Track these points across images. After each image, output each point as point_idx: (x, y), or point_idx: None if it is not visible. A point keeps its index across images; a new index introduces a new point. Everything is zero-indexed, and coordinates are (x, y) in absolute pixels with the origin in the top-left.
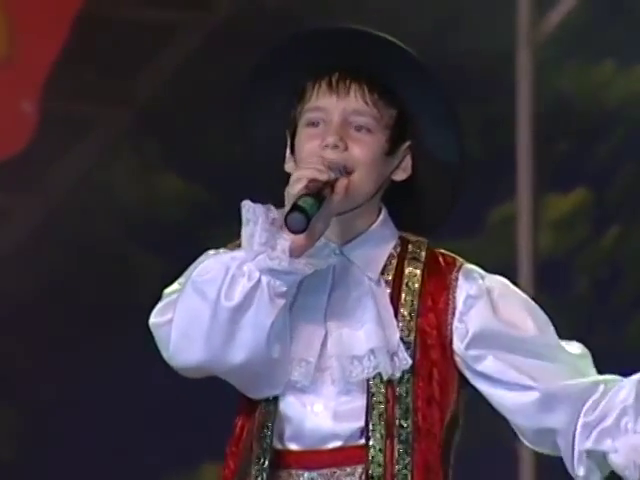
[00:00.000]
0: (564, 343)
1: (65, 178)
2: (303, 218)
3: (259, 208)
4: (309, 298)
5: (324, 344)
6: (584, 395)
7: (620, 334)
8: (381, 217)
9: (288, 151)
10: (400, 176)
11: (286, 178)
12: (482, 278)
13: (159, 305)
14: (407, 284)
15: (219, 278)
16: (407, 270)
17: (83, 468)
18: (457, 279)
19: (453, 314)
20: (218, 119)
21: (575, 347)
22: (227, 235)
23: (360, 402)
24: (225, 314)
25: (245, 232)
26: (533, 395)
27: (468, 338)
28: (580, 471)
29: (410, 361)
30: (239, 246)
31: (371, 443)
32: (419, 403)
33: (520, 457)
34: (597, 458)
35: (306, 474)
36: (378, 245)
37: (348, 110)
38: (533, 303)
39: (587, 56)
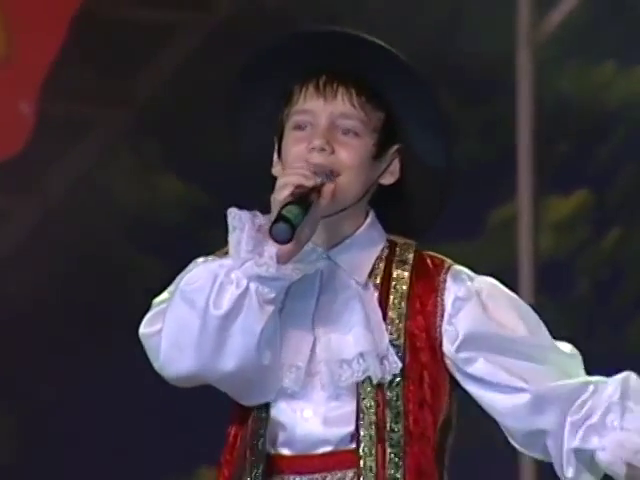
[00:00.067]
0: (555, 343)
1: (64, 179)
2: (288, 228)
3: (245, 215)
4: (297, 303)
5: (313, 349)
6: (573, 396)
7: (621, 335)
8: (368, 220)
9: (275, 155)
10: (388, 180)
11: (274, 182)
12: (471, 280)
13: (148, 315)
14: (395, 287)
15: (207, 286)
16: (395, 273)
17: (83, 469)
18: (445, 281)
19: (442, 316)
20: (218, 119)
21: (565, 347)
22: (227, 236)
23: (350, 407)
24: (214, 322)
25: (232, 239)
26: (524, 397)
27: (458, 340)
28: (569, 472)
29: (400, 364)
30: (227, 253)
31: (362, 448)
32: (410, 407)
33: (520, 459)
34: (585, 458)
35: (297, 479)
36: (365, 249)
37: (335, 113)
38: (523, 303)
39: (588, 57)
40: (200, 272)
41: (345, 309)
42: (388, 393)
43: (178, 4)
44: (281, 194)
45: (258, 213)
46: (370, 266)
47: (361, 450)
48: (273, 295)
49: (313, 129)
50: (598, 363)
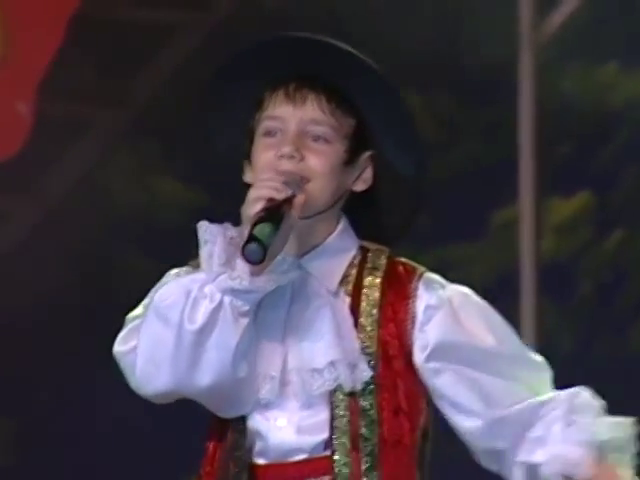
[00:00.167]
0: (525, 353)
1: (64, 179)
2: (260, 249)
3: (216, 228)
4: (269, 313)
5: (285, 358)
6: (530, 414)
7: (623, 337)
8: (340, 227)
9: (247, 161)
10: (360, 187)
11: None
12: (442, 288)
13: (122, 333)
14: (367, 294)
15: (181, 302)
16: (367, 280)
17: (83, 471)
18: (417, 288)
19: (413, 324)
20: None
21: (535, 358)
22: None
23: (324, 415)
24: (189, 337)
25: (204, 253)
26: (479, 422)
27: (428, 349)
28: None
29: (370, 372)
30: (200, 265)
31: (336, 457)
32: (385, 414)
33: None
34: (532, 472)
35: None
36: (336, 256)
37: (305, 119)
38: (494, 313)
39: (590, 58)
40: (173, 287)
41: (316, 317)
42: (361, 401)
43: (177, 4)
44: (252, 209)
45: (229, 225)
46: (341, 273)
47: (335, 458)
48: (247, 308)
49: (283, 135)
50: (600, 365)
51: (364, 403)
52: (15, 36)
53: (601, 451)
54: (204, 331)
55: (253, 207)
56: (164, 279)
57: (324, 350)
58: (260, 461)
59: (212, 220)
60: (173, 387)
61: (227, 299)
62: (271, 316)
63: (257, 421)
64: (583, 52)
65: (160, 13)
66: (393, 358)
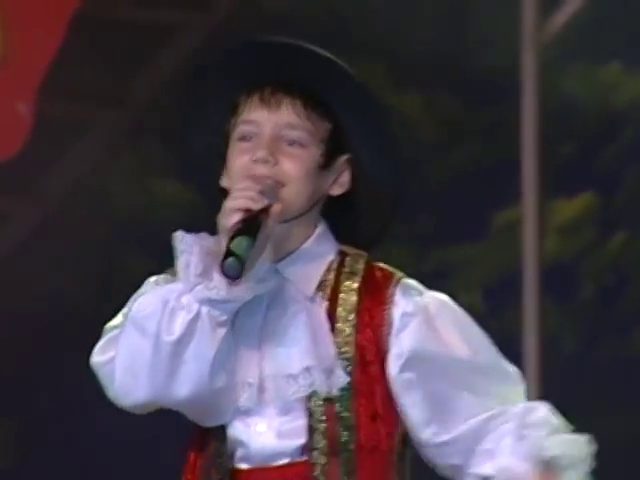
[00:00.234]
0: (498, 364)
1: (63, 180)
2: (238, 265)
3: (192, 238)
4: (245, 319)
5: (261, 365)
6: (482, 428)
7: (626, 340)
8: (318, 231)
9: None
10: (337, 190)
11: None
12: (420, 294)
13: (100, 343)
14: (344, 299)
15: (158, 312)
16: (344, 285)
17: (82, 473)
18: (394, 294)
19: (390, 330)
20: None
21: (508, 369)
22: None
23: (302, 421)
24: (167, 348)
25: (181, 263)
26: (438, 440)
27: (403, 359)
28: None
29: (346, 378)
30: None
31: (314, 462)
32: (362, 420)
33: None
34: None
35: None
36: (313, 261)
37: (280, 124)
38: (471, 322)
39: (593, 57)
40: (150, 297)
41: (292, 323)
42: (338, 407)
43: (177, 4)
44: (229, 220)
45: (205, 235)
46: (318, 278)
47: (314, 463)
48: (225, 317)
49: (258, 140)
50: (602, 366)
51: (341, 409)
52: (15, 36)
53: (551, 467)
54: (182, 342)
55: (229, 219)
56: (143, 288)
57: (299, 356)
58: (243, 466)
59: (210, 220)
60: (151, 398)
61: (205, 309)
62: (248, 323)
63: (238, 428)
64: (586, 52)
65: (160, 13)
66: (370, 363)
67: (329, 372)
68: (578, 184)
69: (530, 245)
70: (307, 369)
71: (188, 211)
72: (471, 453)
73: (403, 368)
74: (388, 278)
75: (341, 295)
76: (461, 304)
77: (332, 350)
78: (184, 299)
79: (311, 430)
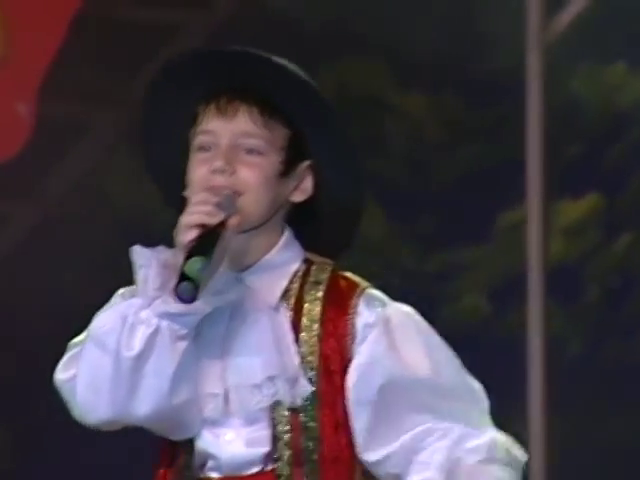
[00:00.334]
0: (461, 381)
1: (64, 180)
2: (192, 288)
3: (149, 252)
4: (208, 329)
5: (225, 375)
6: (420, 441)
7: (631, 342)
8: (283, 240)
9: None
10: (299, 197)
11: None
12: (383, 306)
13: (63, 359)
14: (308, 309)
15: (117, 328)
16: (308, 294)
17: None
18: (357, 305)
19: (353, 341)
20: None
21: (471, 386)
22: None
23: (266, 431)
24: (128, 364)
25: (139, 277)
26: (379, 456)
27: (359, 371)
28: None
29: (310, 388)
30: None
31: (279, 472)
32: (326, 430)
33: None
34: None
35: None
36: (277, 270)
37: (237, 132)
38: (434, 336)
39: (598, 58)
40: (110, 313)
41: (254, 333)
42: (303, 417)
43: (178, 4)
44: (184, 237)
45: (163, 248)
46: (282, 288)
47: (278, 473)
48: (185, 331)
49: (216, 150)
50: (607, 370)
51: (306, 419)
52: (15, 36)
53: None
54: (142, 357)
55: (185, 235)
56: (112, 300)
57: (262, 366)
58: (214, 475)
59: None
60: (113, 416)
61: (164, 323)
62: (210, 333)
63: (207, 439)
64: (591, 52)
65: (161, 13)
66: (334, 373)
67: (293, 382)
68: (583, 185)
69: (535, 247)
70: (270, 379)
71: None
72: (408, 463)
73: (357, 381)
74: (352, 288)
75: (305, 305)
76: (465, 306)
77: (296, 360)
78: (143, 314)
79: (275, 440)
